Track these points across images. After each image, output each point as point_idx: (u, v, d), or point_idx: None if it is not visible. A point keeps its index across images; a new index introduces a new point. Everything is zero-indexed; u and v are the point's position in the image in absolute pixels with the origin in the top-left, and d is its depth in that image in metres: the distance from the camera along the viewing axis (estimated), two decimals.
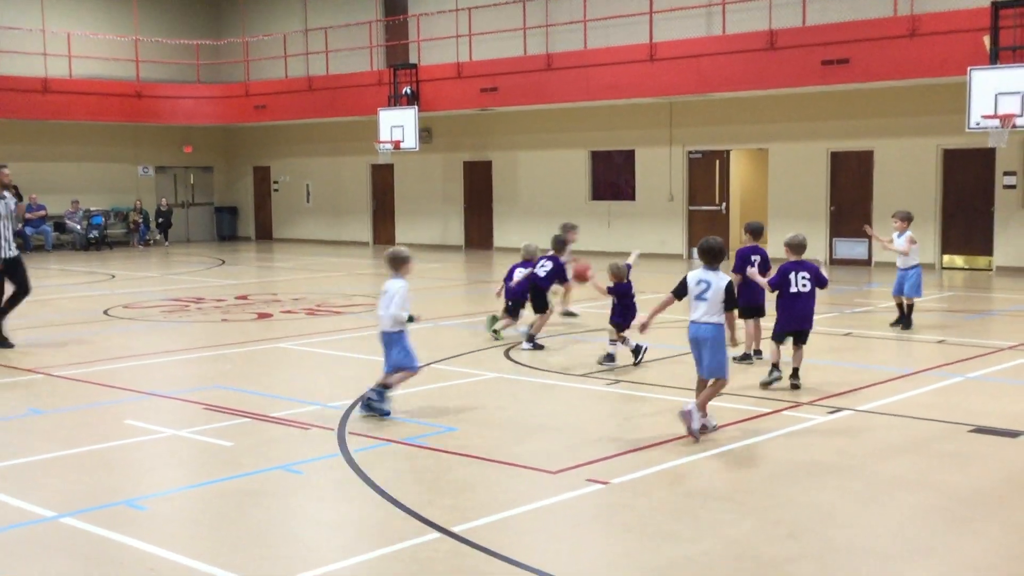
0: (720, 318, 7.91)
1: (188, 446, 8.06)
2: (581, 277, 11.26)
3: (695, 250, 8.87)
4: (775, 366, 9.68)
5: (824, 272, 9.75)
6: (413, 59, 27.54)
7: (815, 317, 9.86)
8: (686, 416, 7.81)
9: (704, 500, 6.49)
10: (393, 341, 8.95)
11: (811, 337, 9.84)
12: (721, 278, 7.92)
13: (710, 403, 8.10)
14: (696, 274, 8.05)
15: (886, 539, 5.80)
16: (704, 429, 7.93)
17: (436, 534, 5.90)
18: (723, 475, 7.06)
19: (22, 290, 12.53)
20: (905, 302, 13.09)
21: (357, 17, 29.50)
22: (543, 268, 12.90)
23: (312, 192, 32.63)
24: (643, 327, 8.53)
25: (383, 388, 8.85)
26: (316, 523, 6.34)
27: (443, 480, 7.01)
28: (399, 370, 8.95)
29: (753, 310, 10.78)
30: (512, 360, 11.39)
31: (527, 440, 8.06)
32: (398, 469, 7.31)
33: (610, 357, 10.90)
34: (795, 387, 9.50)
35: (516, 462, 7.36)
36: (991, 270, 20.41)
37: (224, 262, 25.76)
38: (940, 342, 12.22)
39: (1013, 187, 20.32)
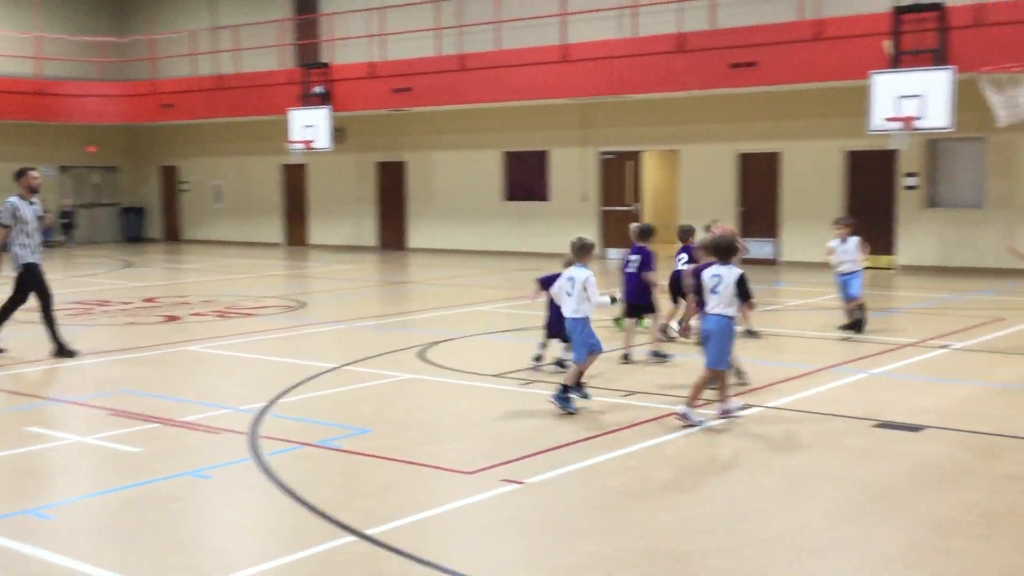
0: (731, 310, 8.27)
1: (94, 453, 7.85)
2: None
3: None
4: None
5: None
6: (325, 58, 27.28)
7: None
8: (683, 418, 8.18)
9: (619, 497, 6.54)
10: (578, 327, 8.97)
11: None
12: (733, 271, 8.27)
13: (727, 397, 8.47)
14: (711, 269, 8.41)
15: (797, 532, 5.92)
16: (727, 413, 8.35)
17: (351, 537, 5.84)
18: (637, 472, 7.12)
19: (43, 295, 11.87)
20: (854, 305, 12.91)
21: (267, 15, 29.12)
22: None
23: (222, 192, 32.11)
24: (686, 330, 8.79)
25: (576, 382, 8.93)
26: (227, 528, 6.23)
27: (358, 482, 6.94)
28: (591, 353, 8.96)
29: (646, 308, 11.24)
30: (427, 361, 11.35)
31: (443, 441, 8.03)
32: (312, 472, 7.22)
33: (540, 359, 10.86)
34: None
35: (432, 463, 7.32)
36: (894, 269, 20.97)
37: (131, 264, 25.20)
38: (846, 339, 12.51)
39: (915, 188, 20.91)
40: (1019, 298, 15.77)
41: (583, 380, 9.13)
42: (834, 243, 13.10)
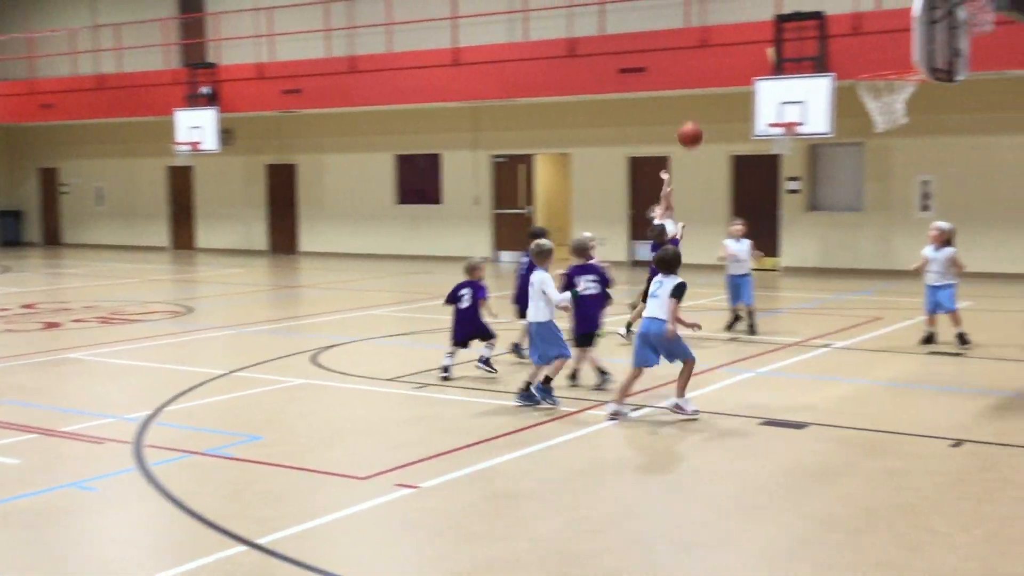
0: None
1: None
2: None
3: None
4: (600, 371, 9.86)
5: (610, 273, 9.89)
6: (211, 58, 26.77)
7: (610, 318, 10.15)
8: (677, 409, 8.60)
9: (512, 500, 6.58)
10: (544, 332, 9.07)
11: (614, 338, 10.12)
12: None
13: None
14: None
15: (685, 529, 6.04)
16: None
17: (241, 547, 5.74)
18: (531, 475, 7.17)
19: None
20: (745, 309, 13.05)
21: (151, 14, 28.43)
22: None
23: (105, 195, 31.23)
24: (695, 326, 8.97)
25: (546, 382, 9.01)
26: (112, 541, 6.07)
27: (248, 491, 6.83)
28: (557, 358, 9.05)
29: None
30: (320, 366, 11.23)
31: (335, 447, 7.96)
32: (200, 481, 7.07)
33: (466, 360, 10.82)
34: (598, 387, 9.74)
35: (324, 469, 7.25)
36: (778, 270, 21.53)
37: (8, 268, 24.31)
38: (733, 340, 12.80)
39: (797, 192, 21.52)
40: (896, 298, 16.36)
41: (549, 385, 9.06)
42: (729, 242, 13.23)
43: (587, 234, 10.07)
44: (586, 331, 9.70)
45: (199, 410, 9.24)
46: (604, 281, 9.74)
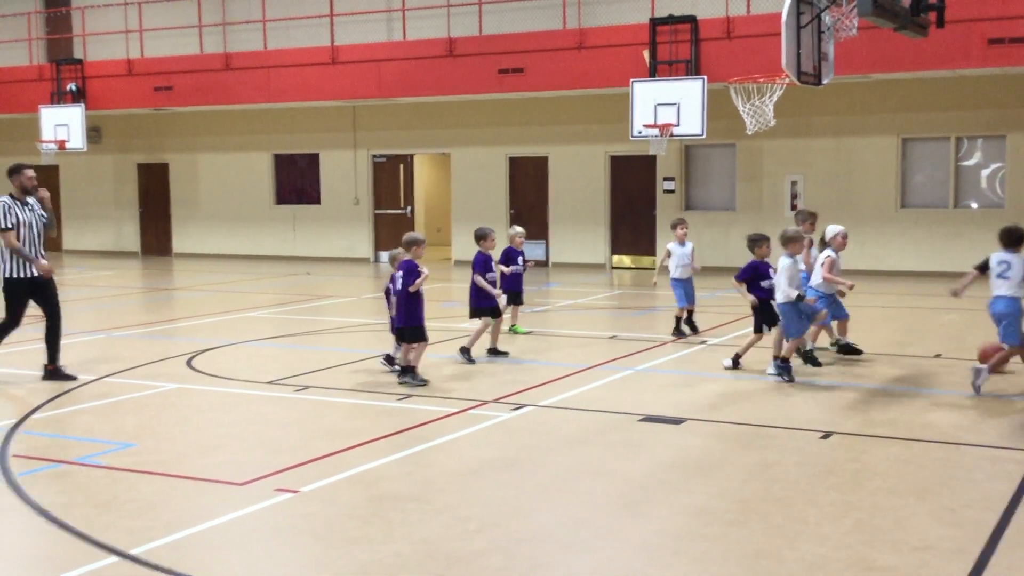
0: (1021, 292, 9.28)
1: None
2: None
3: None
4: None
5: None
6: (78, 54, 25.88)
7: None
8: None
9: (394, 502, 6.54)
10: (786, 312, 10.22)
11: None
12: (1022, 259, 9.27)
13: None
14: (998, 255, 9.34)
15: (567, 527, 6.09)
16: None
17: (113, 558, 5.56)
18: (413, 476, 7.14)
19: (53, 314, 10.57)
20: (687, 311, 13.02)
21: (14, 8, 27.34)
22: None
23: None
24: (956, 293, 9.80)
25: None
26: None
27: (121, 500, 6.61)
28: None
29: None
30: (195, 370, 10.97)
31: (212, 452, 7.78)
32: (69, 492, 6.82)
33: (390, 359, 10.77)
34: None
35: (201, 476, 7.08)
36: (655, 269, 21.90)
37: None
38: (612, 338, 12.98)
39: (672, 192, 21.96)
40: None
41: None
42: (671, 246, 13.09)
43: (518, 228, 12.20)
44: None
45: (67, 418, 8.93)
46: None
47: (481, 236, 11.72)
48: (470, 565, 5.48)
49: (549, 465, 7.38)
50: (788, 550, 5.65)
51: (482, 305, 11.54)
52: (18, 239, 10.25)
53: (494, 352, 11.62)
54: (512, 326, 12.94)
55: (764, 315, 10.55)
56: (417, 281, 9.77)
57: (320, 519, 6.24)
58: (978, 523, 6.03)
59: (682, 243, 13.09)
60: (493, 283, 11.60)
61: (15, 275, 10.33)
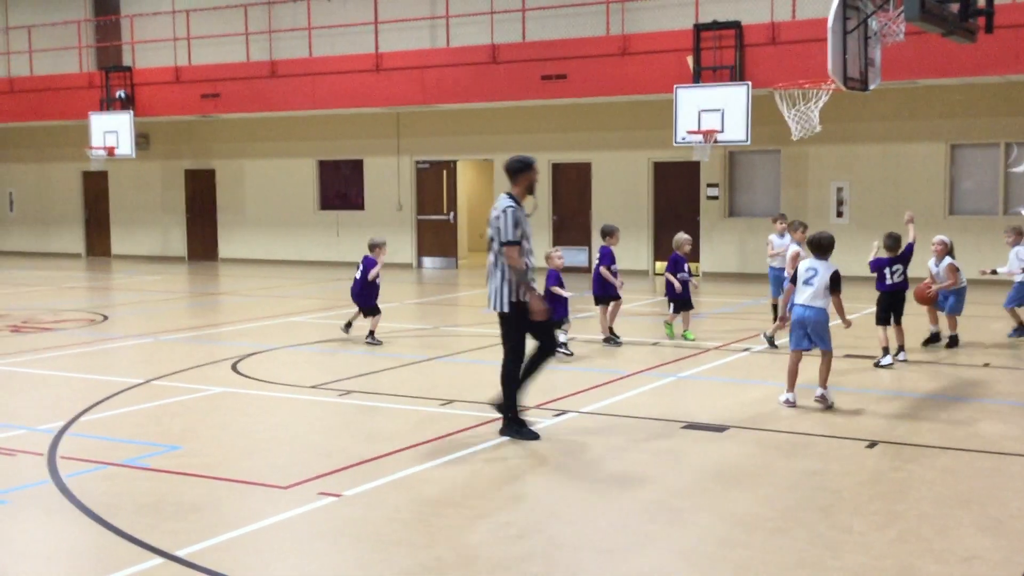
0: (823, 302, 9.21)
1: None
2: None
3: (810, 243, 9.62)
4: None
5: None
6: (127, 62, 26.27)
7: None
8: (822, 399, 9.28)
9: (436, 507, 6.56)
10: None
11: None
12: (829, 267, 9.19)
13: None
14: (806, 263, 9.37)
15: (608, 534, 6.08)
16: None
17: (159, 560, 5.63)
18: (455, 481, 7.16)
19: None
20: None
21: (64, 16, 27.82)
22: None
23: (16, 200, 30.43)
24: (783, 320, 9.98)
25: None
26: (24, 556, 5.90)
27: (167, 502, 6.70)
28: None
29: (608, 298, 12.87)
30: (240, 374, 11.08)
31: (256, 456, 7.86)
32: (117, 494, 6.92)
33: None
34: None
35: (245, 479, 7.15)
36: (698, 276, 21.82)
37: None
38: (655, 344, 12.94)
39: (716, 198, 21.85)
40: None
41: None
42: (773, 236, 13.88)
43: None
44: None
45: (115, 420, 9.06)
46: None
47: (608, 232, 12.95)
48: (511, 570, 5.49)
49: (590, 471, 7.37)
50: (832, 559, 5.60)
51: (608, 292, 12.74)
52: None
53: (610, 338, 12.75)
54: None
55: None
56: (372, 271, 13.13)
57: (362, 523, 6.27)
58: None
59: (781, 235, 13.73)
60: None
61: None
